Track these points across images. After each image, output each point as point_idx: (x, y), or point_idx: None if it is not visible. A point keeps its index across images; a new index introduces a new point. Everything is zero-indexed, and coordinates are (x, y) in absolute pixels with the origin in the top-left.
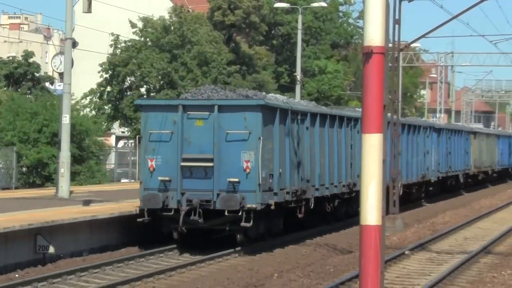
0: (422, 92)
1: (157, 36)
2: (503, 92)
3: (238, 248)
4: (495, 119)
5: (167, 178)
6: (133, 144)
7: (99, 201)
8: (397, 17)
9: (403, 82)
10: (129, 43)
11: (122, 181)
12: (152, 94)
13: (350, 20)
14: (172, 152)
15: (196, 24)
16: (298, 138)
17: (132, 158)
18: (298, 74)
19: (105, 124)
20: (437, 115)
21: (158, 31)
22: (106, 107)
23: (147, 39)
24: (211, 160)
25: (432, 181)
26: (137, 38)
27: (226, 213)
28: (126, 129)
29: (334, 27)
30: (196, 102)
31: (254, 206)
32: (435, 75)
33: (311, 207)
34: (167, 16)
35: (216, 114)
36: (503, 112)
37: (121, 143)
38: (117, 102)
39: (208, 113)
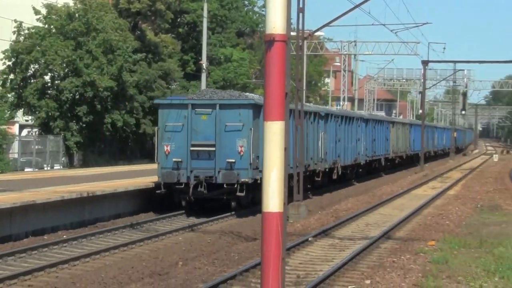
0: (326, 80)
1: (61, 23)
2: (404, 80)
3: (145, 236)
4: (396, 107)
5: (179, 159)
6: (37, 133)
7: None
8: (301, 5)
9: (308, 70)
10: (33, 30)
11: (26, 170)
12: (56, 82)
13: (256, 9)
14: (182, 139)
15: (101, 11)
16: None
17: (37, 146)
18: (204, 62)
19: (8, 112)
20: (341, 103)
21: (63, 18)
22: (9, 95)
23: (51, 26)
24: (213, 145)
25: (361, 163)
26: (41, 25)
27: (225, 186)
28: (30, 117)
29: (239, 15)
30: (202, 101)
31: (247, 180)
32: (338, 64)
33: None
34: (71, 3)
35: (217, 110)
36: (404, 100)
37: (24, 132)
38: (21, 90)
39: (211, 109)
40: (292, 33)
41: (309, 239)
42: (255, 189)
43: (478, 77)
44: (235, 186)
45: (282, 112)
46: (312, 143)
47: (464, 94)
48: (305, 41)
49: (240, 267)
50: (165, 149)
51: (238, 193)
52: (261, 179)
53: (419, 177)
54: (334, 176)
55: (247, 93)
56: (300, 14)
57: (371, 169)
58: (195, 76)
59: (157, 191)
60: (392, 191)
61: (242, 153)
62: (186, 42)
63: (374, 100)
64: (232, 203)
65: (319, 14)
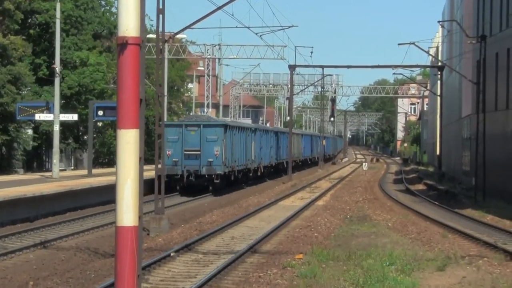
0: (190, 85)
1: None
2: (271, 85)
3: None
4: (263, 113)
5: (176, 159)
6: None
7: None
8: (160, 6)
9: (170, 75)
10: None
11: None
12: None
13: (113, 9)
14: (179, 147)
15: None
16: (234, 139)
17: None
18: (57, 66)
19: None
20: (205, 110)
21: None
22: None
23: None
24: (199, 151)
25: (272, 164)
26: None
27: (206, 176)
28: None
29: (96, 16)
30: (191, 122)
31: (220, 172)
32: (202, 68)
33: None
34: None
35: (201, 128)
36: (272, 106)
37: None
38: None
39: (197, 128)
40: (152, 36)
41: (171, 254)
42: (225, 178)
43: (347, 82)
44: (213, 176)
45: (136, 119)
46: (247, 149)
47: (333, 100)
48: (166, 44)
49: (96, 286)
50: (167, 153)
51: (215, 181)
52: (228, 172)
53: (287, 187)
54: (259, 173)
55: (221, 118)
56: (160, 16)
57: (278, 169)
58: (48, 81)
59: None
60: (259, 202)
61: (217, 155)
62: (38, 44)
63: (240, 106)
64: (210, 188)
65: (181, 16)
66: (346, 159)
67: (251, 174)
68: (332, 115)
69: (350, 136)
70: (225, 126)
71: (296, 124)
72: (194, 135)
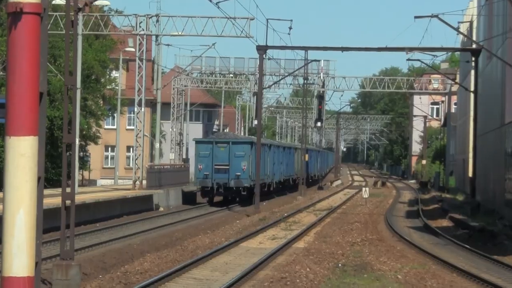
0: (114, 74)
1: None
2: (231, 76)
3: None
4: (220, 115)
5: (207, 173)
6: None
7: None
8: None
9: (85, 58)
10: None
11: None
12: None
13: None
14: (209, 161)
15: None
16: (265, 155)
17: None
18: None
19: None
20: (135, 109)
21: None
22: None
23: None
24: (227, 165)
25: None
26: None
27: (234, 188)
28: None
29: None
30: (221, 140)
31: (247, 185)
32: (132, 49)
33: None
34: None
35: (230, 145)
36: (232, 105)
37: None
38: None
39: (226, 144)
40: (60, 2)
41: None
42: (252, 190)
43: (341, 72)
44: (240, 188)
45: (33, 122)
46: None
47: (321, 97)
48: (80, 14)
49: None
50: (199, 167)
51: (242, 193)
52: (253, 185)
53: (253, 221)
54: (271, 188)
55: (249, 136)
56: None
57: (285, 186)
58: None
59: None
60: (213, 243)
61: (244, 169)
62: None
63: (186, 105)
64: (237, 199)
65: None
66: (339, 181)
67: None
68: (319, 119)
69: (344, 149)
70: (251, 143)
71: (266, 131)
72: (224, 151)
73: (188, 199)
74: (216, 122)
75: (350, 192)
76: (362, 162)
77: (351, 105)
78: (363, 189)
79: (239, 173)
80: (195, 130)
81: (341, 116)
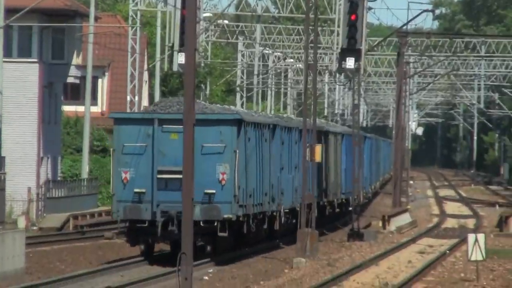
0: None
1: None
2: None
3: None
4: (86, 35)
5: (141, 190)
6: None
7: None
8: None
9: None
10: None
11: None
12: None
13: None
14: (146, 165)
15: None
16: (251, 151)
17: None
18: None
19: None
20: None
21: None
22: None
23: None
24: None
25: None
26: None
27: (201, 224)
28: None
29: None
30: (171, 115)
31: (230, 216)
32: None
33: None
34: None
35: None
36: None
37: None
38: None
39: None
40: None
41: None
42: (241, 227)
43: None
44: (215, 224)
45: None
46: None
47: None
48: None
49: None
50: (123, 177)
51: (220, 233)
52: (247, 216)
53: None
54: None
55: (230, 106)
56: None
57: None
58: None
59: (116, 231)
60: None
61: (224, 182)
62: None
63: None
64: (208, 247)
65: None
66: (406, 217)
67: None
68: (351, 49)
69: (420, 133)
70: (239, 123)
71: (210, 78)
72: (178, 142)
73: None
74: (76, 59)
75: (434, 246)
76: (465, 164)
77: (438, 11)
78: (471, 238)
79: (212, 190)
80: (21, 78)
81: (412, 42)
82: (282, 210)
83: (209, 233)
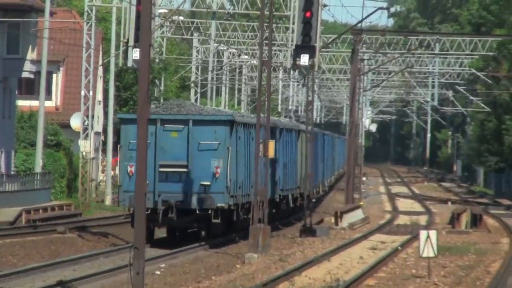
0: None
1: None
2: None
3: None
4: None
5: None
6: None
7: None
8: None
9: None
10: None
11: None
12: None
13: None
14: (149, 158)
15: None
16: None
17: None
18: None
19: None
20: None
21: None
22: None
23: None
24: (185, 166)
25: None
26: None
27: (197, 212)
28: None
29: None
30: (172, 116)
31: (223, 205)
32: None
33: None
34: None
35: (190, 127)
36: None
37: None
38: None
39: (183, 126)
40: None
41: None
42: (232, 215)
43: None
44: (210, 212)
45: None
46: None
47: None
48: None
49: None
50: (129, 170)
51: (213, 220)
52: (236, 205)
53: None
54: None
55: (224, 109)
56: None
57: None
58: None
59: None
60: None
61: (217, 175)
62: None
63: None
64: (202, 232)
65: None
66: (358, 213)
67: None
68: (306, 46)
69: (373, 129)
70: (231, 124)
71: (165, 74)
72: (177, 139)
73: None
74: (31, 54)
75: (386, 243)
76: (418, 161)
77: (393, 9)
78: (423, 234)
79: (207, 182)
80: None
81: (366, 39)
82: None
83: (203, 220)
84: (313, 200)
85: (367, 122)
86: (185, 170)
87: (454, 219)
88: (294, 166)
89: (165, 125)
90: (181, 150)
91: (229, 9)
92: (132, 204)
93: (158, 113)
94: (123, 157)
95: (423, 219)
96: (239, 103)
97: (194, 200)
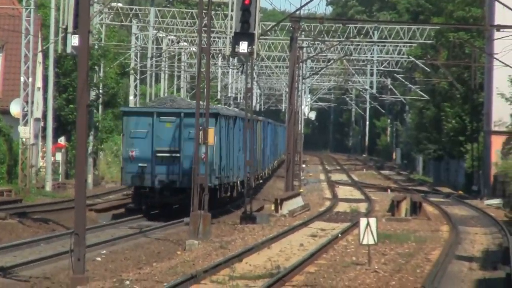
0: None
1: None
2: None
3: None
4: None
5: (144, 165)
6: None
7: None
8: None
9: None
10: None
11: None
12: None
13: None
14: (147, 145)
15: None
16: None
17: None
18: None
19: None
20: None
21: None
22: None
23: None
24: (177, 152)
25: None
26: None
27: (187, 190)
28: None
29: None
30: (166, 109)
31: (210, 185)
32: None
33: None
34: None
35: (182, 118)
36: None
37: None
38: None
39: (175, 118)
40: None
41: None
42: (216, 193)
43: None
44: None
45: None
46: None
47: None
48: None
49: None
50: (130, 155)
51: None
52: (220, 185)
53: None
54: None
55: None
56: None
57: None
58: None
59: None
60: None
61: (205, 159)
62: None
63: None
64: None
65: None
66: (298, 200)
67: None
68: (245, 33)
69: (312, 117)
70: (216, 116)
71: (104, 61)
72: (171, 129)
73: None
74: None
75: (326, 230)
76: (357, 148)
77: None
78: (363, 222)
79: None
80: None
81: (305, 26)
82: (238, 181)
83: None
84: (253, 187)
85: (306, 109)
86: (177, 155)
87: (393, 207)
88: (235, 153)
89: (161, 117)
90: (174, 138)
91: None
92: (134, 183)
93: (154, 107)
94: (125, 144)
95: (363, 207)
96: (178, 90)
97: (185, 180)
